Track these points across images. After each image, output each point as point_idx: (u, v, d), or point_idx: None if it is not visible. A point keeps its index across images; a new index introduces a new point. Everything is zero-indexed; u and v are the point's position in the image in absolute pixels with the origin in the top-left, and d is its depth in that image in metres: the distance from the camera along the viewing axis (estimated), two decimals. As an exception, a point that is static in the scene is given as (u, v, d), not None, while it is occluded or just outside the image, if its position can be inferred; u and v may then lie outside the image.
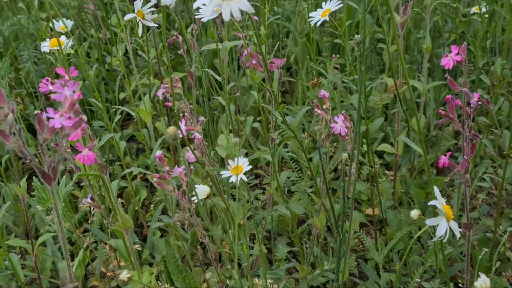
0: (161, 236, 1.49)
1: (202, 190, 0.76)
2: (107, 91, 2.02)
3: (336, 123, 0.89)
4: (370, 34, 2.00)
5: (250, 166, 0.78)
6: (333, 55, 1.74)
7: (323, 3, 1.09)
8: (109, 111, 1.92)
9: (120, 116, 1.65)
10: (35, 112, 0.56)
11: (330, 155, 1.07)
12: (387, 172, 1.66)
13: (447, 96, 0.75)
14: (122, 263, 1.30)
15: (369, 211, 1.56)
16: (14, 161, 1.75)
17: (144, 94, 1.86)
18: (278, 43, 1.95)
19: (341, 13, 1.89)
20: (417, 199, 1.45)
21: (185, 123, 0.87)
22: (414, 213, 0.74)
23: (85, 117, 0.57)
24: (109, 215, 1.41)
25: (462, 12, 2.19)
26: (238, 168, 0.78)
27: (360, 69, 0.80)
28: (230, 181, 0.78)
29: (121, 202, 1.60)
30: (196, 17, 0.76)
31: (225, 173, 0.80)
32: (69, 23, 1.33)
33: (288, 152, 1.34)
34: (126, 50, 2.00)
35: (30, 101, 1.97)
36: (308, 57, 1.83)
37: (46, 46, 0.97)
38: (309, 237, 1.52)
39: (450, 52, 0.73)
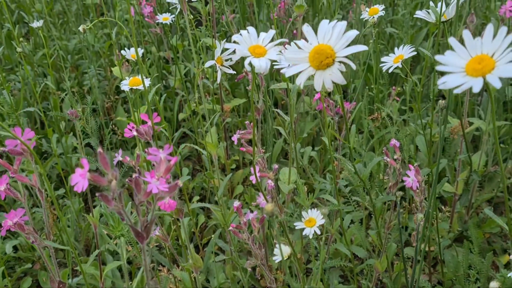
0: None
1: (285, 250, 0.78)
2: (165, 109, 2.06)
3: (408, 176, 0.90)
4: (429, 64, 1.99)
5: (324, 220, 0.79)
6: (393, 87, 1.74)
7: (395, 48, 1.09)
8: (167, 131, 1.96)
9: (180, 133, 1.68)
10: (134, 175, 0.58)
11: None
12: (442, 207, 1.64)
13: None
14: (180, 289, 1.33)
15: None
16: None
17: (203, 116, 1.90)
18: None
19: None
20: (476, 240, 1.43)
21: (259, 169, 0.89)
22: (494, 285, 0.73)
23: (180, 183, 0.59)
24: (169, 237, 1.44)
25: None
26: (311, 221, 0.79)
27: (441, 140, 0.80)
28: (304, 233, 0.80)
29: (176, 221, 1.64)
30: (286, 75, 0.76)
31: (298, 225, 0.82)
32: (140, 51, 1.36)
33: (346, 186, 1.35)
34: (185, 72, 2.05)
35: (93, 115, 2.03)
36: (367, 87, 1.83)
37: (126, 84, 1.00)
38: (362, 270, 1.52)
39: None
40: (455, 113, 1.78)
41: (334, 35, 0.62)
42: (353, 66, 0.61)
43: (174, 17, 1.56)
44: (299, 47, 0.65)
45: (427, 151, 1.23)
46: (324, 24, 0.63)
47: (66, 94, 1.94)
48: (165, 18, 1.55)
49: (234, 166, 1.70)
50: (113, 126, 1.98)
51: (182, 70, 1.92)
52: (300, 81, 0.64)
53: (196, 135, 1.89)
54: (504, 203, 1.80)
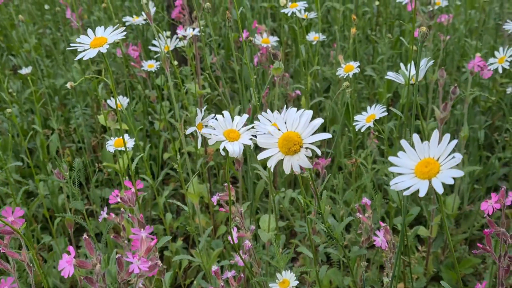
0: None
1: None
2: (150, 147, 2.11)
3: (378, 237, 0.95)
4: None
5: (297, 282, 0.84)
6: (372, 131, 1.80)
7: (368, 107, 1.15)
8: (152, 169, 2.00)
9: (164, 174, 1.73)
10: (117, 255, 0.63)
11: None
12: (419, 247, 1.70)
13: (485, 230, 0.80)
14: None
15: (400, 285, 1.60)
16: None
17: (188, 153, 1.94)
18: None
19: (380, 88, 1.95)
20: (448, 282, 1.49)
21: (237, 230, 0.94)
22: None
23: (159, 263, 0.64)
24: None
25: (499, 82, 2.24)
26: (285, 282, 0.84)
27: (404, 211, 0.86)
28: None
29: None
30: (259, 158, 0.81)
31: (273, 286, 0.87)
32: (125, 101, 1.42)
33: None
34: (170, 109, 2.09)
35: (79, 154, 2.07)
36: (347, 128, 1.89)
37: (111, 145, 1.05)
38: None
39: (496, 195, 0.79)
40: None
41: (301, 123, 0.67)
42: (319, 152, 0.67)
43: (159, 65, 1.61)
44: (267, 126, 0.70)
45: (399, 200, 1.28)
46: (292, 112, 0.69)
47: (52, 133, 1.99)
48: (150, 65, 1.60)
49: (217, 208, 1.75)
50: (99, 164, 2.02)
51: (167, 111, 1.97)
52: (271, 165, 0.69)
53: (180, 177, 1.93)
54: (480, 240, 1.86)
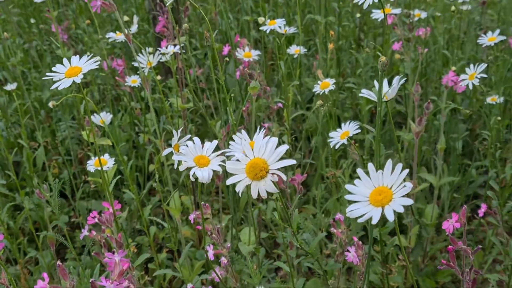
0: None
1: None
2: (136, 157, 2.13)
3: (349, 252, 0.98)
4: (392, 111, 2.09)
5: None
6: (353, 141, 1.83)
7: (342, 124, 1.18)
8: (138, 180, 2.03)
9: (149, 188, 1.76)
10: (90, 280, 0.66)
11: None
12: (399, 256, 1.73)
13: (449, 247, 0.83)
14: None
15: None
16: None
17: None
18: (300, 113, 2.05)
19: (360, 100, 1.99)
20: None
21: (213, 247, 0.97)
22: None
23: (132, 286, 0.67)
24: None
25: (479, 90, 2.28)
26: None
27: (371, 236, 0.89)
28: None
29: (144, 276, 1.70)
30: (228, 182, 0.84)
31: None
32: (108, 117, 1.44)
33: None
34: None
35: (65, 166, 2.10)
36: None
37: (91, 165, 1.08)
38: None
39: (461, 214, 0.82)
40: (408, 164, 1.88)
41: (267, 150, 0.70)
42: (284, 178, 0.70)
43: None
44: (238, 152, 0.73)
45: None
46: (259, 139, 0.72)
47: (39, 146, 2.01)
48: (133, 81, 1.63)
49: (203, 217, 1.77)
50: (86, 176, 2.05)
51: (152, 123, 1.99)
52: (239, 189, 0.72)
53: (161, 194, 1.96)
54: (458, 251, 1.89)
